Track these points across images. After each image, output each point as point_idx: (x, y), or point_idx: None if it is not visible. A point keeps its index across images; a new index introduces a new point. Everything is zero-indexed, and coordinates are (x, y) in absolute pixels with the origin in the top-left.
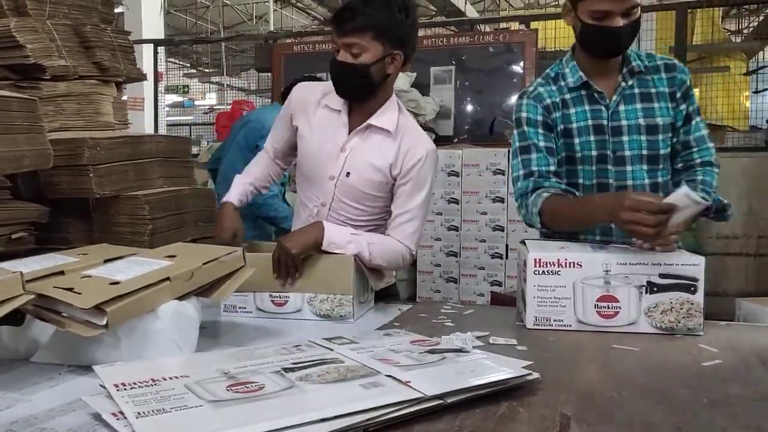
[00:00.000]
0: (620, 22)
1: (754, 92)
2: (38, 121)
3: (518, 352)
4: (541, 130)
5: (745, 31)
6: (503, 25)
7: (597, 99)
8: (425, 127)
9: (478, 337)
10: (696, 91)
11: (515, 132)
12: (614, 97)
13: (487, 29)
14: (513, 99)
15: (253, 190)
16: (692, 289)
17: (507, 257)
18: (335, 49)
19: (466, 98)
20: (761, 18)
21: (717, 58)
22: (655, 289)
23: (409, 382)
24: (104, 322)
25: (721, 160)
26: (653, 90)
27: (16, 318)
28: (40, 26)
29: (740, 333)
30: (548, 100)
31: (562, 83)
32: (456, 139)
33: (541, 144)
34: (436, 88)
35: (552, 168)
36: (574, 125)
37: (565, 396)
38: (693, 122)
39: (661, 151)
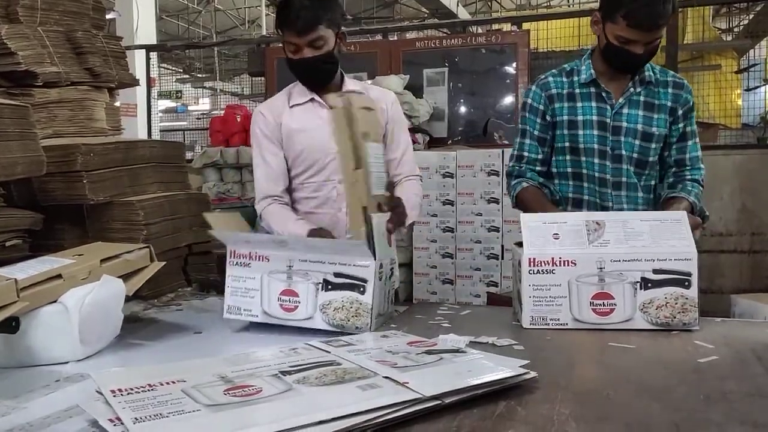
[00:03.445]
0: (641, 50)
1: (746, 90)
2: (31, 128)
3: (515, 352)
4: (539, 120)
5: (736, 30)
6: (495, 26)
7: (604, 98)
8: (419, 130)
9: (475, 338)
10: None
11: (522, 113)
12: (620, 99)
13: (480, 31)
14: (506, 100)
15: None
16: (686, 283)
17: (502, 258)
18: (294, 51)
19: (459, 100)
20: (752, 16)
21: (708, 56)
22: (649, 284)
23: (407, 383)
24: None
25: (713, 158)
26: (656, 101)
27: (10, 326)
28: (31, 33)
29: (735, 329)
30: (553, 90)
31: (575, 78)
32: (450, 141)
33: (536, 133)
34: (429, 90)
35: (540, 156)
36: (580, 118)
37: (562, 395)
38: (690, 142)
39: (650, 159)
